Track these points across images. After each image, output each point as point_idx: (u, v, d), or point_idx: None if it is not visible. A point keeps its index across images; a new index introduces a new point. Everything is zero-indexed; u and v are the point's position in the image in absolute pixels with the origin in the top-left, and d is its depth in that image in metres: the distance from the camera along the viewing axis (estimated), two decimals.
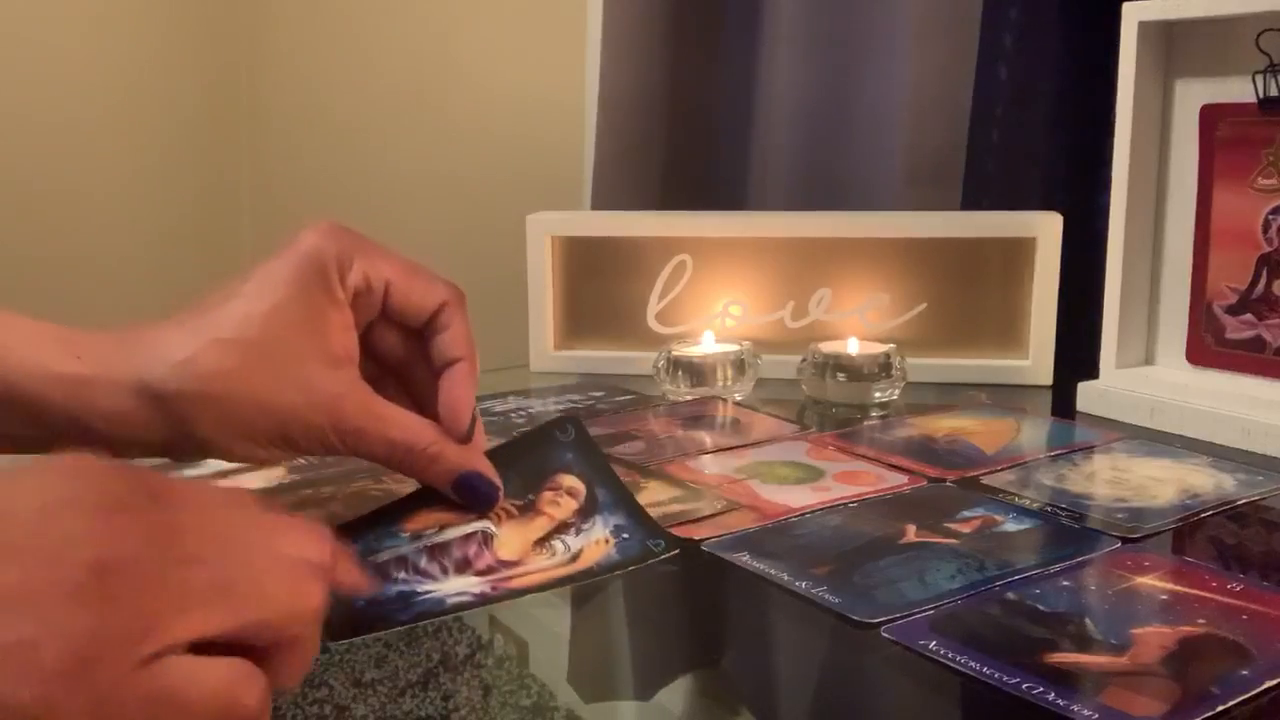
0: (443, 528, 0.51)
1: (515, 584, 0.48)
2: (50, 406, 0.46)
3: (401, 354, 0.53)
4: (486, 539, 0.51)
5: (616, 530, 0.53)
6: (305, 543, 0.36)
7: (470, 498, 0.51)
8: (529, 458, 0.56)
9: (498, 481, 0.52)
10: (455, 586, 0.48)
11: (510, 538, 0.51)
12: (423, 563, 0.49)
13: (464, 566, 0.49)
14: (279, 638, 0.34)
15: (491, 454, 0.53)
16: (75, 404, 0.46)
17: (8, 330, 0.48)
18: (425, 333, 0.52)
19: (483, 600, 0.47)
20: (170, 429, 0.47)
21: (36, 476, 0.34)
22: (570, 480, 0.55)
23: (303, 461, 0.65)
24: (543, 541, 0.52)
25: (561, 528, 0.52)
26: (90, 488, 0.33)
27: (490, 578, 0.49)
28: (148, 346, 0.47)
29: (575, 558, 0.51)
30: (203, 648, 0.32)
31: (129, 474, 0.35)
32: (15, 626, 0.29)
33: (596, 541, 0.52)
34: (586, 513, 0.54)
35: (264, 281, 0.48)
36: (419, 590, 0.47)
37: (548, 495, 0.54)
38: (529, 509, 0.53)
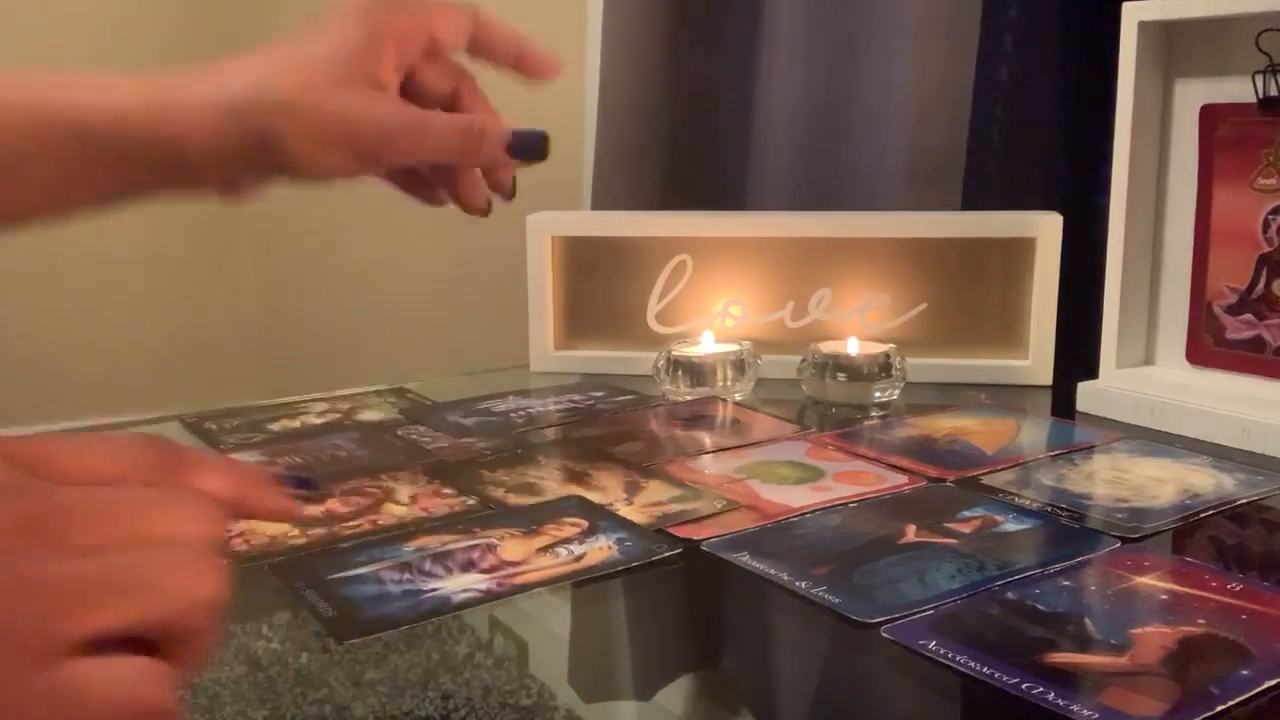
0: (445, 545, 0.52)
1: (521, 580, 0.48)
2: (127, 137, 0.48)
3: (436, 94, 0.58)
4: (490, 548, 0.51)
5: (619, 540, 0.53)
6: (192, 519, 0.32)
7: (524, 145, 0.58)
8: (535, 513, 0.57)
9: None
10: (461, 584, 0.48)
11: (514, 546, 0.52)
12: (427, 566, 0.49)
13: (468, 567, 0.49)
14: (177, 631, 0.31)
15: (503, 514, 0.56)
16: (152, 130, 0.49)
17: (71, 84, 0.50)
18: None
19: (489, 596, 0.47)
20: (248, 142, 0.50)
21: None
22: (573, 519, 0.56)
23: (299, 460, 0.65)
24: (546, 549, 0.52)
25: (564, 541, 0.53)
26: None
27: (496, 575, 0.49)
28: (216, 73, 0.51)
29: (579, 559, 0.51)
30: (101, 643, 0.29)
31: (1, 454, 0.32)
32: None
33: (600, 548, 0.52)
34: (589, 533, 0.54)
35: (319, 27, 0.53)
36: (424, 589, 0.47)
37: (550, 526, 0.55)
38: (532, 534, 0.54)
